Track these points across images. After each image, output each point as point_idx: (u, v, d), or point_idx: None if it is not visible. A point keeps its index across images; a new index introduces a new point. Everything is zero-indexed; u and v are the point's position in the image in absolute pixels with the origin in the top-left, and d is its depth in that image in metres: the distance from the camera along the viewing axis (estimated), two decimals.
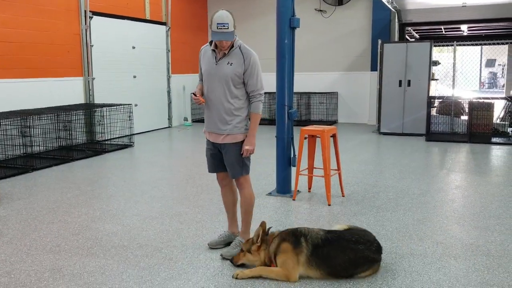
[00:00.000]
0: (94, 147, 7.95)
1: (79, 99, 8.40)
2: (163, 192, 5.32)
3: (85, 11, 8.37)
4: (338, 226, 3.39)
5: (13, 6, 7.09)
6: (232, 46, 3.28)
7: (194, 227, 4.15)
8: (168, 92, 10.84)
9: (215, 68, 3.29)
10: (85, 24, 8.40)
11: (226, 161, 3.41)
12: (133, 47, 9.64)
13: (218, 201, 4.93)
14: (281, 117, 5.08)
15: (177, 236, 3.93)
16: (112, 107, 8.20)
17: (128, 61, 9.50)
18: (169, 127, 10.91)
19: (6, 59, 7.03)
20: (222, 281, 3.08)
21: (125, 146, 8.18)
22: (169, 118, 10.96)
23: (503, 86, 20.07)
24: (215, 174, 3.61)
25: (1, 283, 3.08)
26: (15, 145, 6.88)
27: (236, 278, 3.08)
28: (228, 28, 3.13)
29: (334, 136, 4.99)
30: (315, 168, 5.24)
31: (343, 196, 5.04)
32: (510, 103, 9.57)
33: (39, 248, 3.67)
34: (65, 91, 8.05)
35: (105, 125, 8.24)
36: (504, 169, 6.59)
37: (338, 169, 5.08)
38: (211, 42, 3.35)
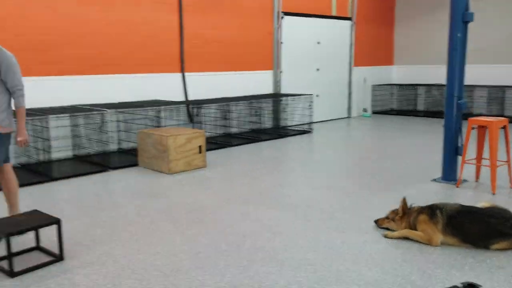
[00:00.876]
0: (278, 131, 9.15)
1: (268, 89, 9.72)
2: (334, 171, 6.05)
3: (278, 12, 9.60)
4: (481, 204, 3.65)
5: (220, 10, 8.65)
6: None
7: (355, 199, 4.78)
8: (349, 84, 11.49)
9: None
10: (277, 23, 9.63)
11: None
12: (318, 43, 10.56)
13: (381, 180, 5.46)
14: (450, 107, 5.27)
15: (340, 203, 4.62)
16: (295, 97, 9.26)
17: (313, 56, 10.47)
18: (348, 117, 11.57)
19: (215, 56, 8.66)
20: (376, 237, 3.66)
21: (304, 132, 9.17)
22: (349, 108, 11.61)
23: None
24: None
25: (209, 219, 4.23)
26: (218, 126, 8.47)
27: (386, 237, 3.64)
28: None
29: (504, 127, 4.97)
30: (484, 159, 5.28)
31: (511, 187, 4.99)
32: None
33: (233, 200, 4.79)
34: (257, 82, 9.44)
35: (288, 112, 9.36)
36: None
37: (508, 160, 5.03)
38: None
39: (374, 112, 12.06)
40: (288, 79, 9.93)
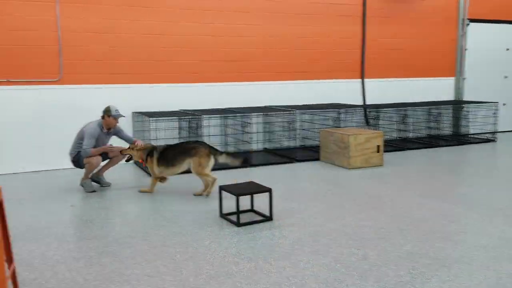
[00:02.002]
0: (458, 138, 9.06)
1: (449, 96, 9.68)
2: None
3: (463, 19, 9.51)
4: None
5: (401, 19, 9.02)
6: None
7: None
8: None
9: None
10: (462, 30, 9.55)
11: None
12: (507, 49, 10.06)
13: None
14: None
15: None
16: (479, 104, 9.06)
17: (500, 62, 10.02)
18: None
19: (394, 63, 9.07)
20: None
21: (487, 141, 8.89)
22: None
23: None
24: None
25: (386, 207, 4.78)
26: (395, 130, 8.86)
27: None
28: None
29: None
30: None
31: None
32: None
33: (409, 193, 5.22)
34: (437, 89, 9.50)
35: (470, 120, 9.19)
36: None
37: None
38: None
39: None
40: (472, 86, 9.72)
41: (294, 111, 7.49)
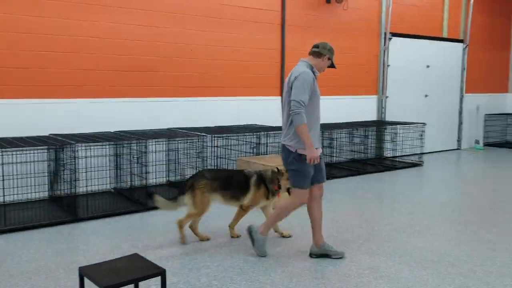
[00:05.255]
0: (384, 163, 8.26)
1: (372, 115, 8.90)
2: (466, 216, 5.11)
3: (385, 33, 8.83)
4: None
5: (323, 32, 8.06)
6: None
7: (509, 257, 3.82)
8: (460, 112, 10.31)
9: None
10: (384, 45, 8.85)
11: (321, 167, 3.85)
12: (427, 66, 9.59)
13: None
14: None
15: (490, 262, 3.70)
16: (405, 125, 8.36)
17: (421, 80, 9.51)
18: (457, 149, 10.35)
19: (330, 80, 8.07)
20: None
21: (414, 165, 8.20)
22: (459, 140, 10.40)
23: None
24: None
25: (329, 271, 3.54)
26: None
27: None
28: None
29: None
30: None
31: None
32: None
33: (354, 248, 4.05)
34: (360, 108, 8.66)
35: (397, 142, 8.46)
36: None
37: None
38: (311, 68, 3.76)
39: (487, 145, 10.69)
40: (393, 105, 9.05)
41: (204, 135, 6.05)
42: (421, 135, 8.33)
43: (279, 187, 4.10)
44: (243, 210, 4.21)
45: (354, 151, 8.33)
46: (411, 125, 8.40)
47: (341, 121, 8.25)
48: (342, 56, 8.36)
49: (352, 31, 8.43)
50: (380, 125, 8.50)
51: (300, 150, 3.60)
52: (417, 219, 4.95)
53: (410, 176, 7.45)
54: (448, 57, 9.95)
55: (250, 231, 3.83)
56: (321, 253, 3.80)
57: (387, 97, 8.98)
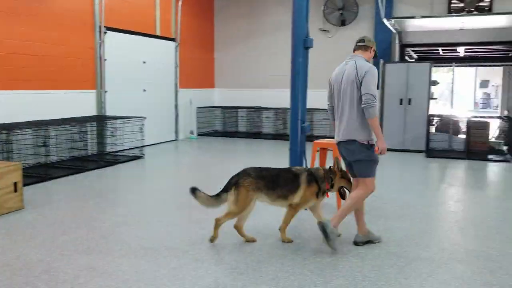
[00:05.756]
0: (106, 158, 8.20)
1: (92, 111, 8.69)
2: (180, 201, 5.58)
3: (100, 26, 8.71)
4: None
5: (33, 20, 7.41)
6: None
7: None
8: (176, 106, 11.15)
9: None
10: (100, 38, 8.73)
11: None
12: (144, 62, 9.98)
13: None
14: (295, 131, 5.39)
15: (200, 240, 4.18)
16: (125, 119, 8.48)
17: (139, 75, 9.83)
18: (175, 140, 11.19)
19: (25, 71, 7.32)
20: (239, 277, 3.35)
21: (136, 158, 8.44)
22: (176, 131, 11.25)
23: (497, 106, 20.60)
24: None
25: (42, 280, 3.32)
26: (32, 155, 7.12)
27: None
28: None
29: None
30: None
31: None
32: (503, 122, 9.95)
33: (71, 250, 3.91)
34: (78, 103, 8.33)
35: (117, 136, 8.51)
36: (501, 184, 6.91)
37: None
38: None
39: (200, 134, 11.96)
40: (113, 100, 9.06)
41: None
42: (141, 129, 8.63)
43: (332, 186, 4.00)
44: (293, 209, 4.02)
45: (74, 148, 7.97)
46: (131, 119, 8.59)
47: (58, 117, 7.76)
48: (55, 48, 7.84)
49: (64, 21, 7.97)
50: (100, 119, 8.38)
51: (371, 141, 3.87)
52: (136, 210, 5.14)
53: (131, 169, 7.64)
54: (163, 54, 10.60)
55: (323, 226, 3.75)
56: (366, 240, 4.07)
57: (106, 91, 8.92)
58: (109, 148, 8.60)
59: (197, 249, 3.95)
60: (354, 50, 4.05)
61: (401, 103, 9.64)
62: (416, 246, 4.09)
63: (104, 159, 8.16)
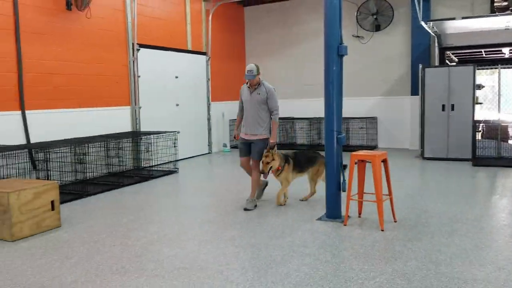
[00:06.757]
0: (141, 173, 8.20)
1: (127, 127, 8.74)
2: (213, 217, 5.44)
3: (132, 43, 8.79)
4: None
5: (68, 41, 7.54)
6: (258, 84, 5.80)
7: (250, 250, 4.23)
8: (208, 119, 11.11)
9: (250, 97, 5.81)
10: (133, 56, 8.81)
11: (253, 150, 5.82)
12: (176, 77, 10.00)
13: (268, 226, 5.01)
14: (330, 142, 5.15)
15: (234, 259, 4.01)
16: (159, 134, 8.48)
17: (172, 90, 9.85)
18: (209, 153, 11.13)
19: (61, 90, 7.44)
20: None
21: (170, 172, 8.40)
22: (209, 144, 11.19)
23: None
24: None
25: None
26: (69, 172, 7.19)
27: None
28: (253, 73, 5.64)
29: (384, 161, 5.02)
30: (365, 193, 5.25)
31: (395, 221, 5.01)
32: None
33: (105, 270, 3.82)
34: (113, 119, 8.41)
35: (152, 151, 8.51)
36: None
37: (390, 194, 5.07)
38: (247, 82, 5.80)
39: (233, 147, 11.84)
40: (147, 115, 9.10)
41: None
42: (175, 143, 8.60)
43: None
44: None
45: (109, 165, 8.02)
46: (164, 134, 8.58)
47: (94, 134, 7.84)
48: (90, 67, 7.95)
49: (99, 40, 8.09)
50: (135, 135, 8.41)
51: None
52: (170, 227, 5.03)
53: (165, 184, 7.58)
54: (194, 68, 10.60)
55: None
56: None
57: (140, 107, 8.97)
58: (144, 164, 8.61)
59: (231, 269, 3.77)
60: None
61: (443, 109, 9.20)
62: (469, 265, 3.75)
63: (139, 174, 8.16)
